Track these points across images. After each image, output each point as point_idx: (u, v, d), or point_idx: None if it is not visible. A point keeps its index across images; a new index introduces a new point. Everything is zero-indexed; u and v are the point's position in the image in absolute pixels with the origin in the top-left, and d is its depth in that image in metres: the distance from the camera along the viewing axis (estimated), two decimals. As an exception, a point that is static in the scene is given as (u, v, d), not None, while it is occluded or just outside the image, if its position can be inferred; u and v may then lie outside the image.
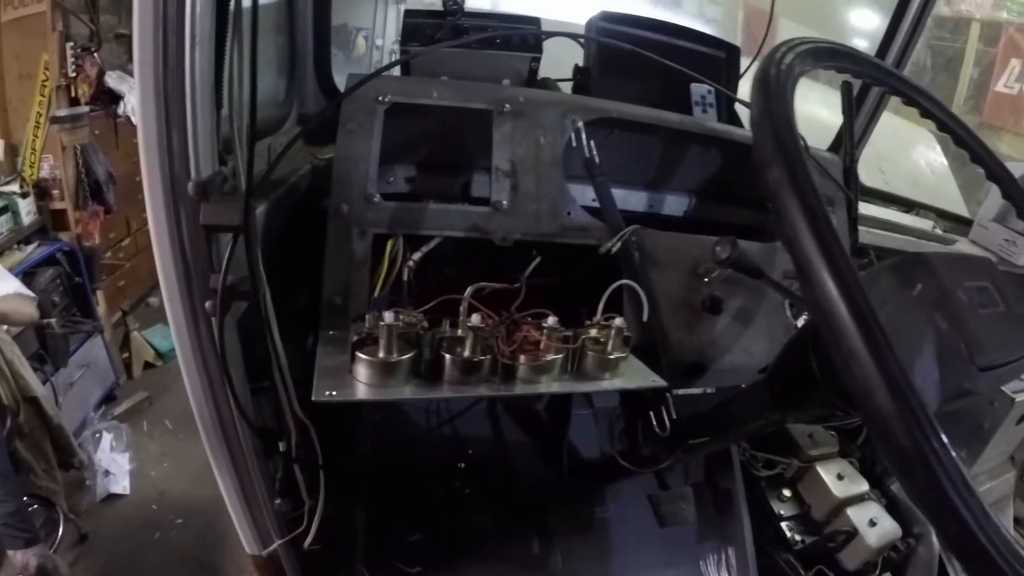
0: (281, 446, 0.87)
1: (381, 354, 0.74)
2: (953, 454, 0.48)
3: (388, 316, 0.73)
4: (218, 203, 0.72)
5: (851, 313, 0.45)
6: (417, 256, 0.91)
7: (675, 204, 1.23)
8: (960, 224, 2.20)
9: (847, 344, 0.45)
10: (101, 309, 2.70)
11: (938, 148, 3.20)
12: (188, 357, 0.80)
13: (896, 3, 1.71)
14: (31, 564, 1.76)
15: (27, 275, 2.38)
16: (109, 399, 2.74)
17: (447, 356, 0.76)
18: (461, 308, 0.78)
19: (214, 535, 2.18)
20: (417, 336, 0.77)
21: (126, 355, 2.90)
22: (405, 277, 0.90)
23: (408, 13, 1.19)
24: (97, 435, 2.51)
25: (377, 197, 0.93)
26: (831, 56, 0.72)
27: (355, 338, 0.75)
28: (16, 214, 2.46)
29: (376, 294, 0.88)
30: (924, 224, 2.02)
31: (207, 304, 0.75)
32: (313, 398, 0.72)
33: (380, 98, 0.96)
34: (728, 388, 1.01)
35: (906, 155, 3.11)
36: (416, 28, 1.16)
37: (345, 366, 0.77)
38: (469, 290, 0.79)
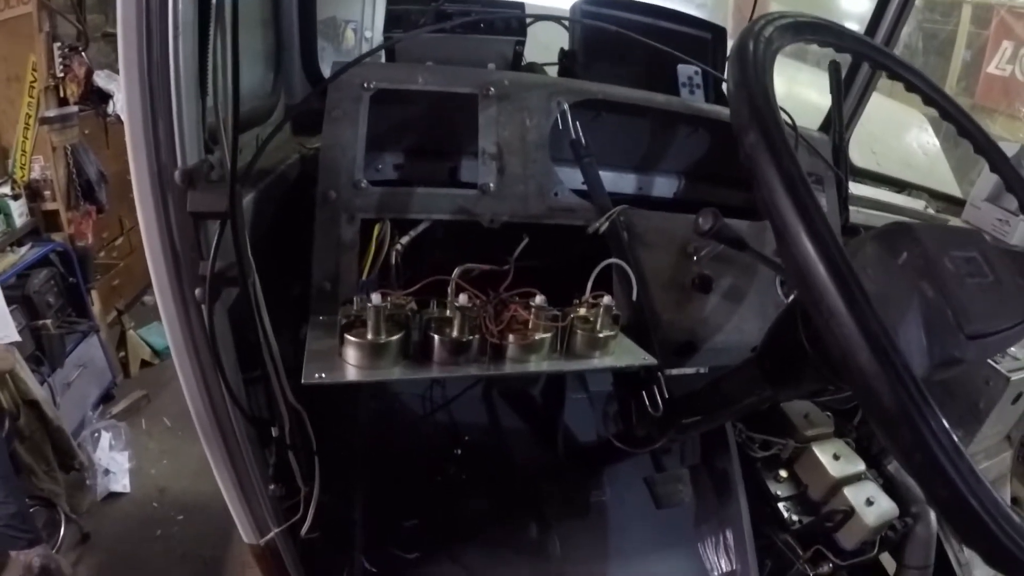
0: (274, 432, 0.87)
1: (369, 336, 0.74)
2: (940, 415, 0.47)
3: (375, 298, 0.73)
4: (204, 190, 0.72)
5: (830, 272, 0.44)
6: (405, 240, 0.91)
7: (664, 186, 1.23)
8: (953, 204, 2.20)
9: (827, 304, 0.44)
10: (96, 309, 2.71)
11: (930, 130, 3.20)
12: (179, 345, 0.81)
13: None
14: (34, 565, 1.76)
15: (21, 277, 2.38)
16: (107, 398, 2.75)
17: (435, 336, 0.76)
18: (449, 289, 0.78)
19: (216, 531, 2.19)
20: (405, 317, 0.77)
21: (122, 354, 2.91)
22: (393, 261, 0.90)
23: (392, 0, 1.19)
24: (96, 434, 2.52)
25: (364, 183, 0.93)
26: (812, 30, 0.72)
27: (343, 321, 0.75)
28: (8, 216, 2.46)
29: (364, 277, 0.88)
30: (916, 204, 2.02)
31: (197, 292, 0.76)
32: (303, 381, 0.72)
33: (365, 84, 0.96)
34: (720, 367, 1.01)
35: (898, 137, 3.11)
36: (400, 15, 1.15)
37: (334, 349, 0.77)
38: (457, 271, 0.79)
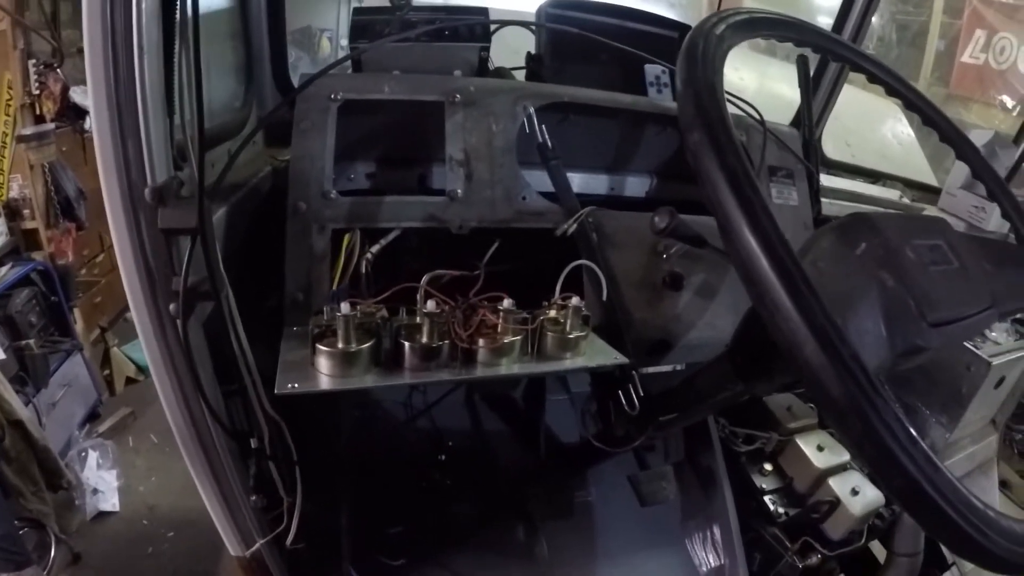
0: (253, 443, 0.87)
1: (340, 345, 0.74)
2: (894, 404, 0.47)
3: (345, 307, 0.74)
4: (175, 207, 0.73)
5: (773, 266, 0.44)
6: (375, 249, 0.91)
7: (636, 186, 1.24)
8: (928, 193, 2.22)
9: (771, 298, 0.44)
10: (79, 327, 2.68)
11: (905, 120, 3.24)
12: (157, 360, 0.81)
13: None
14: (24, 587, 1.75)
15: (2, 297, 2.36)
16: (93, 417, 2.72)
17: (406, 343, 0.77)
18: (418, 296, 0.79)
19: (206, 545, 2.16)
20: (376, 325, 0.77)
21: (107, 372, 2.87)
22: (364, 270, 0.90)
23: (357, 11, 1.20)
24: (83, 453, 2.49)
25: (333, 193, 0.94)
26: (768, 25, 0.72)
27: (315, 331, 0.76)
28: (-12, 237, 2.44)
29: (334, 287, 0.89)
30: (891, 194, 2.04)
31: (171, 307, 0.76)
32: (276, 391, 0.73)
33: (332, 96, 0.97)
34: (696, 364, 1.02)
35: (873, 128, 3.14)
36: (365, 25, 1.16)
37: (307, 359, 0.77)
38: (425, 278, 0.79)
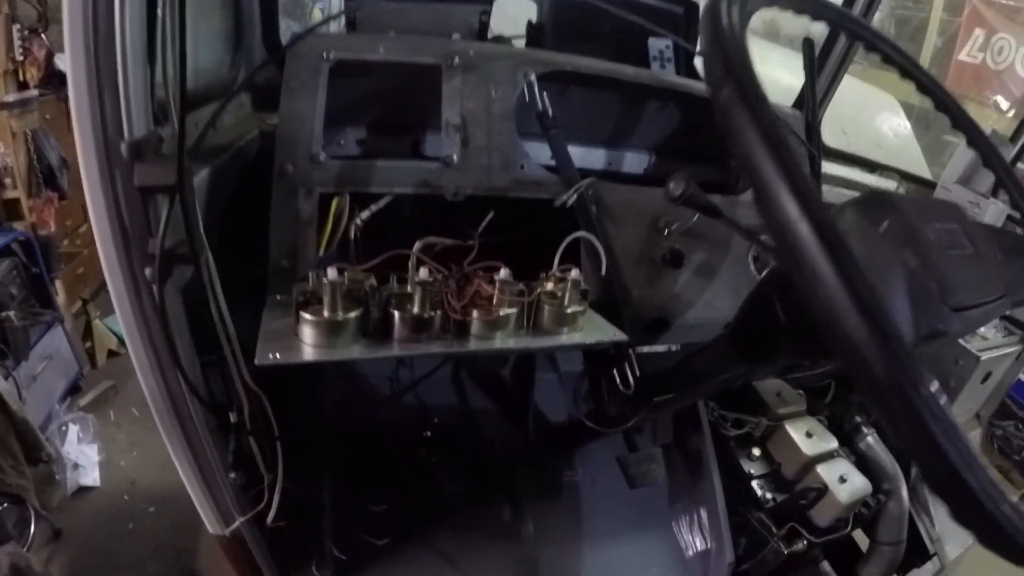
0: (233, 417, 0.84)
1: (326, 313, 0.71)
2: (930, 387, 0.45)
3: (331, 273, 0.70)
4: (152, 163, 0.69)
5: (815, 230, 0.41)
6: (365, 214, 0.88)
7: (635, 161, 1.22)
8: (923, 187, 2.22)
9: (811, 264, 0.40)
10: (61, 299, 2.63)
11: (902, 113, 3.23)
12: (131, 327, 0.78)
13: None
14: (3, 564, 1.71)
15: (-18, 268, 2.31)
16: (74, 390, 2.68)
17: (396, 313, 0.74)
18: (410, 263, 0.76)
19: (188, 521, 2.14)
20: (364, 294, 0.74)
21: (89, 344, 2.83)
22: (352, 236, 0.87)
23: (353, -30, 1.15)
24: (64, 427, 2.45)
25: (323, 156, 0.90)
26: None
27: (299, 299, 0.73)
28: (-33, 205, 2.38)
29: (320, 253, 0.85)
30: (888, 184, 2.03)
31: (147, 271, 0.73)
32: (256, 362, 0.70)
33: (324, 55, 0.93)
34: (693, 344, 1.00)
35: (870, 119, 3.14)
36: (362, -15, 1.12)
37: (291, 328, 0.74)
38: (418, 244, 0.76)
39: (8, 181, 2.50)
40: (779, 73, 2.17)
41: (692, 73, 1.26)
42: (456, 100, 0.96)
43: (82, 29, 0.65)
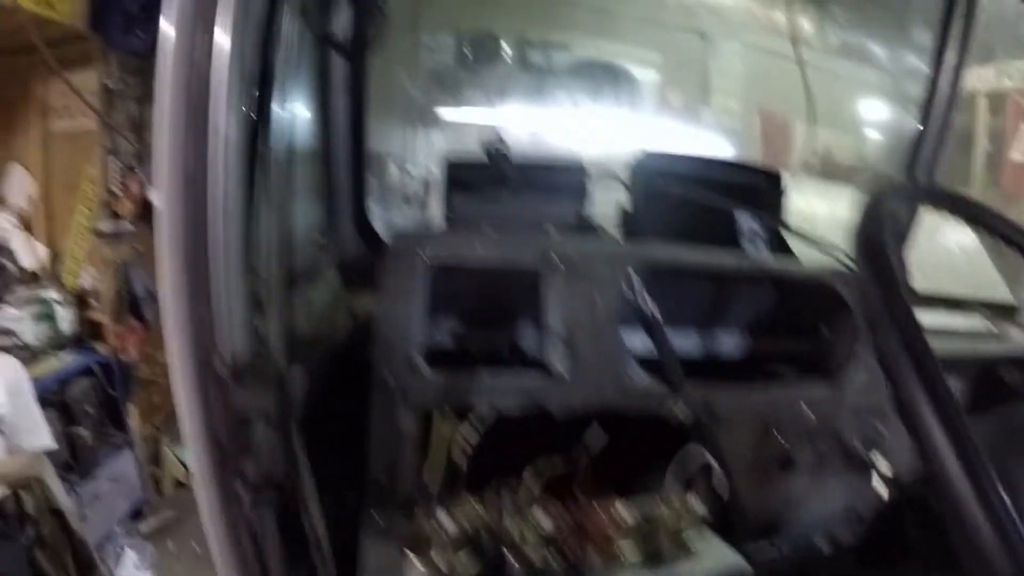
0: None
1: (440, 565, 0.69)
2: None
3: (443, 519, 0.68)
4: (252, 387, 0.68)
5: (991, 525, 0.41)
6: (473, 441, 0.83)
7: (728, 343, 1.18)
8: (1004, 312, 2.10)
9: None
10: (133, 423, 2.69)
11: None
12: (223, 545, 0.73)
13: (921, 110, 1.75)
14: None
15: (62, 383, 2.41)
16: (136, 515, 2.68)
17: (513, 564, 0.70)
18: (520, 496, 0.73)
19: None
20: (476, 533, 0.71)
21: (157, 471, 2.85)
22: (460, 465, 0.83)
23: (451, 165, 1.20)
24: (120, 551, 2.44)
25: (423, 367, 0.87)
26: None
27: (408, 537, 0.70)
28: (55, 321, 2.51)
29: (425, 477, 0.82)
30: (977, 324, 1.93)
31: (240, 491, 0.71)
32: None
33: (422, 256, 0.92)
34: (804, 549, 0.94)
35: (931, 237, 3.04)
36: (460, 178, 1.16)
37: (396, 564, 0.71)
38: (527, 474, 0.74)
39: (95, 304, 2.64)
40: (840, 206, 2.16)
41: (782, 245, 1.24)
42: (558, 306, 0.93)
43: (182, 237, 0.63)
